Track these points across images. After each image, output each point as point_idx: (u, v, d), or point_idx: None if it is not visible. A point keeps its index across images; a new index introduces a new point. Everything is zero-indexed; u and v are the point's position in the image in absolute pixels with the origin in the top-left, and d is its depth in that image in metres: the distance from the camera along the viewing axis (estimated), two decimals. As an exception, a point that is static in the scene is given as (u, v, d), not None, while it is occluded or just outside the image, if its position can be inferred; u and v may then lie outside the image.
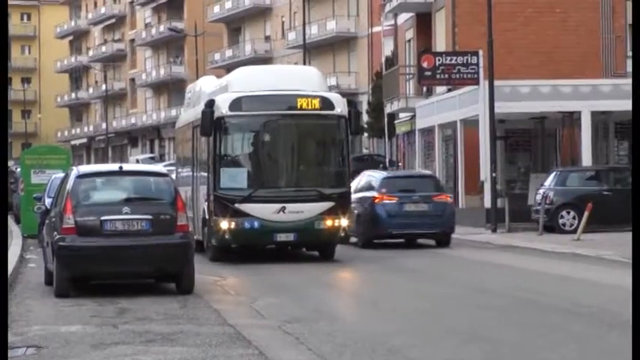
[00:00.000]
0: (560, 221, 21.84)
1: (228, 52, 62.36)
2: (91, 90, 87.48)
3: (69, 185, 12.57)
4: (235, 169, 14.90)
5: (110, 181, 13.49)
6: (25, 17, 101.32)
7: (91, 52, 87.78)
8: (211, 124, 14.26)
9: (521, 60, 28.43)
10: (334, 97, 15.05)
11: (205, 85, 18.79)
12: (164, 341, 8.75)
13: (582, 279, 13.70)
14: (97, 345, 8.46)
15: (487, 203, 23.87)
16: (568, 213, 21.83)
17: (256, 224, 14.33)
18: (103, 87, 78.47)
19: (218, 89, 16.19)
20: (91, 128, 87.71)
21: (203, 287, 13.18)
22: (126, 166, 17.09)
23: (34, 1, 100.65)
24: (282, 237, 14.50)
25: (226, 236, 14.32)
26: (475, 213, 25.40)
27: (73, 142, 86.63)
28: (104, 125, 79.39)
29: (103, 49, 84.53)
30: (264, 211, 14.35)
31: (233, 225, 14.26)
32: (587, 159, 24.93)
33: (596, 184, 23.09)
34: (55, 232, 12.17)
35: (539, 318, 9.91)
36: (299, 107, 14.70)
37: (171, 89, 72.92)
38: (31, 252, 18.95)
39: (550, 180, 23.04)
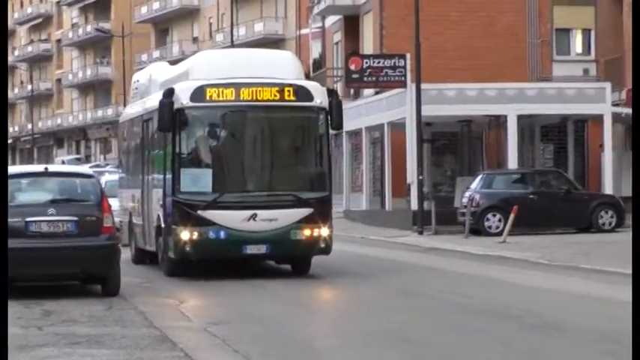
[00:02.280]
0: (486, 224, 21.83)
1: (156, 53, 61.42)
2: (16, 90, 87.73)
3: None
4: (198, 169, 12.63)
5: (35, 183, 13.47)
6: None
7: (16, 52, 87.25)
8: (170, 116, 12.05)
9: (448, 63, 28.70)
10: (313, 86, 12.95)
11: (157, 73, 16.21)
12: (90, 343, 8.75)
13: (508, 281, 13.76)
14: (22, 347, 8.41)
15: (414, 206, 23.92)
16: (494, 216, 21.82)
17: (222, 234, 12.20)
18: (29, 87, 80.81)
19: (176, 76, 13.81)
20: (16, 129, 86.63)
21: (129, 289, 13.16)
22: (51, 167, 16.95)
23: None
24: (252, 249, 12.38)
25: (187, 248, 12.16)
26: (402, 215, 25.43)
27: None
28: (29, 126, 79.38)
29: (29, 48, 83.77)
30: (231, 218, 12.23)
31: (195, 235, 12.10)
32: (512, 162, 25.09)
33: (521, 187, 23.22)
34: None
35: (465, 320, 9.99)
36: (272, 98, 12.52)
37: (98, 90, 72.62)
38: None
39: (476, 183, 23.10)
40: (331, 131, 13.24)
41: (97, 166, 42.73)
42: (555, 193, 22.70)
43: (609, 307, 10.96)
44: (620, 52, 28.62)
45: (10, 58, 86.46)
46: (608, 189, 24.74)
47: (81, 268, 12.53)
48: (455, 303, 11.20)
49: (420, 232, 22.27)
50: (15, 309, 11.03)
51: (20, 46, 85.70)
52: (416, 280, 14.27)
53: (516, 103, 25.28)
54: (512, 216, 19.54)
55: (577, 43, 30.98)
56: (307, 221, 12.44)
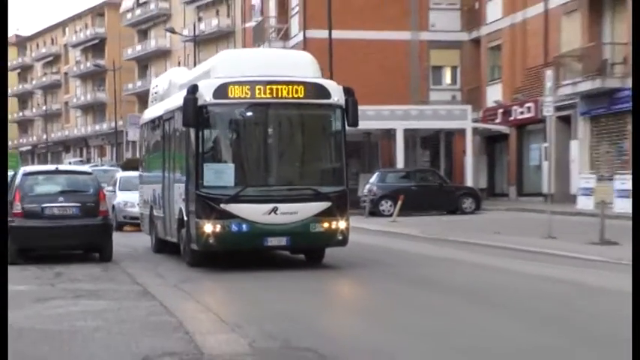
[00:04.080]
0: (381, 208, 22.10)
1: (139, 83, 60.55)
2: (34, 110, 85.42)
3: (17, 181, 12.36)
4: (220, 164, 9.89)
5: (49, 178, 13.28)
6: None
7: (34, 82, 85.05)
8: (194, 112, 9.50)
9: (356, 91, 29.03)
10: (330, 84, 10.33)
11: (176, 76, 13.39)
12: (90, 296, 8.57)
13: (395, 248, 13.71)
14: (38, 299, 8.28)
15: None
16: (386, 202, 22.04)
17: (244, 227, 9.61)
18: (44, 108, 78.69)
19: (198, 76, 11.15)
20: (35, 138, 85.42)
21: (119, 257, 12.64)
22: (61, 167, 17.38)
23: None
24: (273, 241, 9.83)
25: (210, 240, 9.57)
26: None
27: (20, 149, 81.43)
28: (44, 136, 79.92)
29: (44, 79, 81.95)
30: (253, 212, 9.65)
31: (218, 228, 9.51)
32: (400, 163, 25.55)
33: (407, 181, 23.51)
34: (10, 218, 11.85)
35: (363, 275, 10.10)
36: (292, 95, 9.88)
37: (96, 110, 72.88)
38: None
39: (374, 178, 23.43)
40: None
41: (95, 166, 41.72)
42: (431, 185, 23.31)
43: (465, 266, 11.00)
44: (478, 82, 29.93)
45: (29, 86, 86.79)
46: (469, 183, 25.32)
47: (83, 241, 12.40)
48: (355, 263, 10.93)
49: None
50: (33, 271, 10.97)
51: (37, 77, 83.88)
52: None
53: (403, 120, 25.80)
54: (399, 202, 19.75)
55: (447, 76, 32.03)
56: (326, 214, 9.86)
